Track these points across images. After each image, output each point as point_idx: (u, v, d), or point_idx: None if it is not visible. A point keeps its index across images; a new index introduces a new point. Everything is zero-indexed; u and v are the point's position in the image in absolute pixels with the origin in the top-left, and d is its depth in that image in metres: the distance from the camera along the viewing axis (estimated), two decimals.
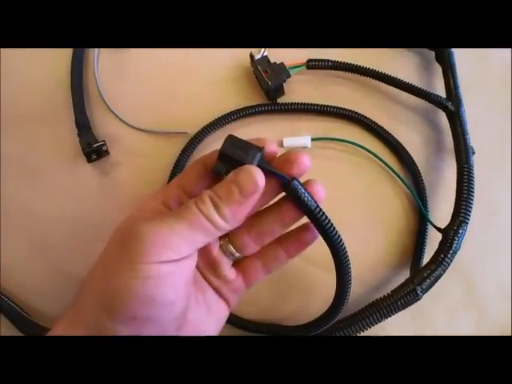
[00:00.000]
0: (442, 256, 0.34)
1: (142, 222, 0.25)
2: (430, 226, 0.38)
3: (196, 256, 0.26)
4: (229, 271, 0.29)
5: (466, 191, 0.36)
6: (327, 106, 0.41)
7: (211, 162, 0.27)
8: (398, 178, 0.40)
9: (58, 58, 0.42)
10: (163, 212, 0.27)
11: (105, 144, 0.39)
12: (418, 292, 0.33)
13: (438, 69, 0.42)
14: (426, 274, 0.33)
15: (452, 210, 0.36)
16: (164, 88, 0.42)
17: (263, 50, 0.41)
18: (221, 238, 0.28)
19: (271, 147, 0.27)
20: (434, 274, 0.33)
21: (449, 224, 0.35)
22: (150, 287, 0.24)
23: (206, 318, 0.28)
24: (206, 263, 0.29)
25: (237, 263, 0.30)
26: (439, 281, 0.34)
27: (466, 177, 0.36)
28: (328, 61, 0.41)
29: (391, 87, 0.41)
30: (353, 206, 0.40)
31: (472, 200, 0.35)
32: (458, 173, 0.37)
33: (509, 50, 0.44)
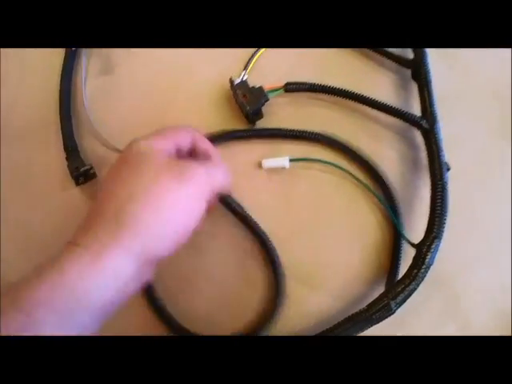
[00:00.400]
0: (415, 271, 0.35)
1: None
2: (405, 242, 0.38)
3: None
4: None
5: (439, 207, 0.36)
6: (303, 132, 0.42)
7: None
8: (374, 197, 0.41)
9: (47, 81, 0.44)
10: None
11: (92, 167, 0.40)
12: (392, 306, 0.34)
13: (416, 87, 0.43)
14: (399, 289, 0.34)
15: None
16: (149, 110, 0.44)
17: (243, 73, 0.42)
18: None
19: None
20: (407, 289, 0.34)
21: (422, 239, 0.36)
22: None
23: None
24: None
25: None
26: (420, 294, 0.35)
27: (439, 193, 0.37)
28: (305, 84, 0.42)
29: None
30: (331, 224, 0.41)
31: (445, 215, 0.36)
32: (431, 189, 0.38)
33: (492, 62, 0.45)
